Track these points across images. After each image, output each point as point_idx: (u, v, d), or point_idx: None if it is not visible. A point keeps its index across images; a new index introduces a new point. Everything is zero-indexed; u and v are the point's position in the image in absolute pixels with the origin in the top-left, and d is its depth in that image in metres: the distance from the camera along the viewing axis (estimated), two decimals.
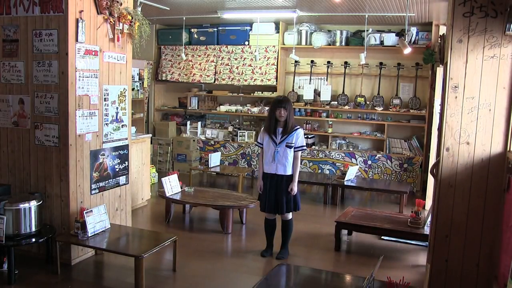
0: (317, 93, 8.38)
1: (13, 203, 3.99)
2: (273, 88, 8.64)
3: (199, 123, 9.25)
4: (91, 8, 4.31)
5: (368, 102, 8.12)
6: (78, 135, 4.29)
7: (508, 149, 3.25)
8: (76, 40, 4.16)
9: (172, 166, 8.92)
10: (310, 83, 8.42)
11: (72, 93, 4.18)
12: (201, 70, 8.95)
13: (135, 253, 3.91)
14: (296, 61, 8.40)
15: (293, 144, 4.54)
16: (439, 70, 6.03)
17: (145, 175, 6.61)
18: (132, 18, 4.68)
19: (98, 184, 4.58)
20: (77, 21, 4.14)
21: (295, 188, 4.54)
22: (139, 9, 5.40)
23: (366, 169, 8.03)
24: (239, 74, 8.67)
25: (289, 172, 4.56)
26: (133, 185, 5.94)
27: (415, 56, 7.48)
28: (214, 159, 7.74)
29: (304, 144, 4.65)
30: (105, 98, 4.57)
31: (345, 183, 6.89)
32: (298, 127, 4.62)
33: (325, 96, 8.26)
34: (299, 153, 4.61)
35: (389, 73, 8.08)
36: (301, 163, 8.10)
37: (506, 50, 3.19)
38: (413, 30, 7.56)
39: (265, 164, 4.62)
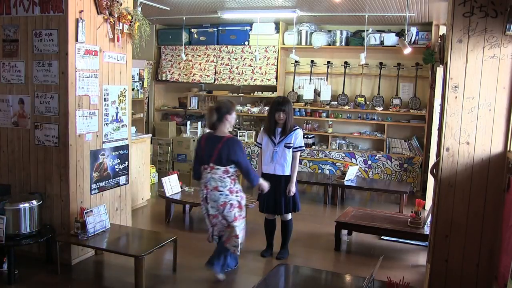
0: (317, 93, 8.38)
1: (13, 203, 3.99)
2: (273, 88, 8.63)
3: (199, 123, 9.24)
4: (91, 8, 4.31)
5: (368, 102, 8.12)
6: (78, 135, 4.29)
7: (508, 149, 3.25)
8: (76, 40, 4.16)
9: (172, 166, 8.92)
10: (310, 83, 8.42)
11: (72, 93, 4.18)
12: (201, 70, 8.95)
13: (135, 253, 3.91)
14: (296, 61, 8.40)
15: (291, 145, 4.54)
16: (439, 70, 6.03)
17: (145, 175, 6.61)
18: (132, 18, 4.68)
19: (98, 184, 4.58)
20: (77, 21, 4.15)
21: (292, 189, 4.53)
22: (139, 9, 5.40)
23: (366, 169, 8.03)
24: (239, 74, 8.67)
25: (287, 173, 4.55)
26: (133, 185, 5.94)
27: (415, 56, 7.47)
28: None
29: (303, 145, 4.64)
30: (105, 98, 4.57)
31: (345, 183, 6.89)
32: (297, 127, 4.61)
33: (325, 96, 8.26)
34: (298, 153, 4.61)
35: (389, 73, 8.07)
36: (301, 163, 8.13)
37: (506, 50, 3.19)
38: (413, 30, 7.56)
39: (264, 165, 4.62)
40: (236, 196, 4.06)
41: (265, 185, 4.30)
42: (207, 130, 4.18)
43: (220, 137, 4.02)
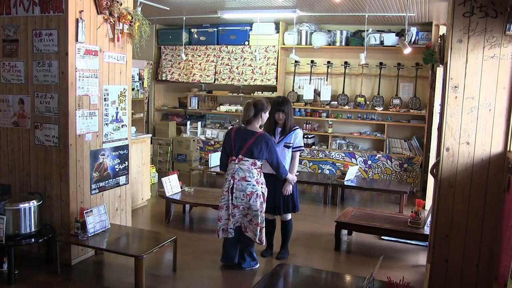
0: (317, 93, 8.38)
1: (13, 203, 3.99)
2: (273, 88, 8.64)
3: (199, 123, 9.25)
4: (91, 8, 4.31)
5: (368, 102, 8.12)
6: (78, 135, 4.29)
7: (508, 149, 3.25)
8: (76, 40, 4.16)
9: (172, 166, 8.92)
10: (310, 83, 8.42)
11: (72, 93, 4.18)
12: (201, 70, 8.95)
13: (135, 253, 3.91)
14: (296, 61, 8.40)
15: (291, 144, 4.54)
16: (439, 70, 6.03)
17: (145, 175, 6.61)
18: (132, 18, 4.68)
19: (98, 184, 4.58)
20: (77, 21, 4.15)
21: (288, 188, 4.50)
22: (139, 9, 5.40)
23: (366, 169, 8.03)
24: (239, 74, 8.67)
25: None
26: (133, 185, 5.94)
27: (415, 56, 7.48)
28: (214, 159, 7.73)
29: (302, 145, 4.64)
30: (105, 98, 4.58)
31: (345, 183, 6.89)
32: (297, 127, 4.61)
33: (325, 96, 8.26)
34: (297, 153, 4.60)
35: (389, 73, 8.08)
36: (301, 163, 8.13)
37: (506, 50, 3.19)
38: (413, 30, 7.56)
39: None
40: (261, 187, 4.24)
41: (292, 177, 4.46)
42: (233, 125, 4.40)
43: (253, 132, 4.21)
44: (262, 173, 4.27)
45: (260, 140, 4.16)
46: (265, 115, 4.32)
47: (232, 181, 4.21)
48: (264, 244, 4.35)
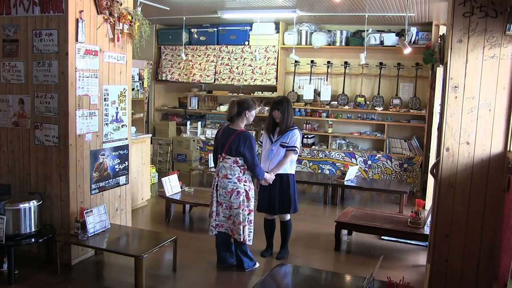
0: (317, 93, 8.38)
1: (13, 203, 3.99)
2: (273, 88, 8.64)
3: (199, 123, 9.25)
4: (91, 8, 4.31)
5: (368, 102, 8.12)
6: (78, 135, 4.29)
7: (508, 149, 3.25)
8: (76, 40, 4.16)
9: (172, 166, 8.92)
10: (310, 83, 8.42)
11: (72, 93, 4.18)
12: (201, 70, 8.95)
13: (135, 253, 3.91)
14: (296, 61, 8.40)
15: (286, 144, 4.53)
16: (439, 70, 6.03)
17: (145, 175, 6.61)
18: (132, 18, 4.68)
19: (98, 184, 4.58)
20: (77, 21, 4.15)
21: (266, 176, 4.36)
22: (139, 9, 5.40)
23: (366, 169, 8.03)
24: (239, 74, 8.67)
25: (282, 171, 4.53)
26: (133, 185, 5.94)
27: (415, 56, 7.48)
28: None
29: (296, 145, 4.53)
30: (105, 98, 4.58)
31: (345, 183, 6.89)
32: (295, 128, 4.58)
33: (325, 96, 8.26)
34: (290, 153, 4.52)
35: (389, 73, 8.08)
36: (301, 163, 8.12)
37: (506, 50, 3.19)
38: (413, 30, 7.56)
39: (261, 163, 4.62)
40: (244, 185, 4.21)
41: (268, 177, 4.38)
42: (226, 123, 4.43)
43: (234, 130, 4.22)
44: (246, 171, 4.24)
45: (239, 137, 4.15)
46: (251, 114, 4.26)
47: (217, 179, 4.25)
48: (249, 242, 4.27)
